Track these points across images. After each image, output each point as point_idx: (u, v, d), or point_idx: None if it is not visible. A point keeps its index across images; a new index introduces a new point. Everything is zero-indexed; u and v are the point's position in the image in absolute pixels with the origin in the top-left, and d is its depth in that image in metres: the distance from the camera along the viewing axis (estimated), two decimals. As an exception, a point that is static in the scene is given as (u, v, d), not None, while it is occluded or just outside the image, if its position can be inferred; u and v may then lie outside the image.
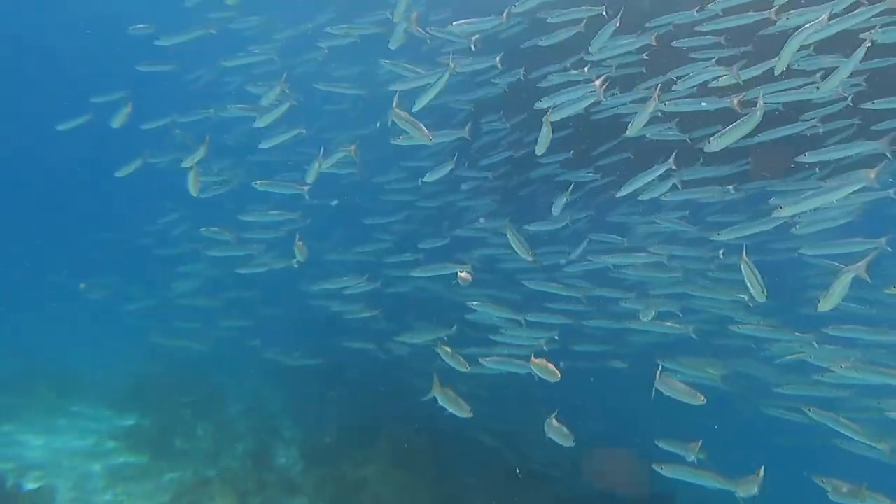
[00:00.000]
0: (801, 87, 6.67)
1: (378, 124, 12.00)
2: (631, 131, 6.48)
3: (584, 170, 10.56)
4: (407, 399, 12.71)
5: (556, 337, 8.28)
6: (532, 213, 12.11)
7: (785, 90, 6.75)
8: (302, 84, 11.32)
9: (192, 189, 8.45)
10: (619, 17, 6.83)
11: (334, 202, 10.84)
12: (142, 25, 11.11)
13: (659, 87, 6.58)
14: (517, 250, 6.93)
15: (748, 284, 5.45)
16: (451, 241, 12.10)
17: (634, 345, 11.40)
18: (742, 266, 5.56)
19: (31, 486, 9.64)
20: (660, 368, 6.06)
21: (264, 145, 8.35)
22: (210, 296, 14.03)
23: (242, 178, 12.54)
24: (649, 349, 10.93)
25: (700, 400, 5.81)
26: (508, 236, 6.99)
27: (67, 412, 14.24)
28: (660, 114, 9.86)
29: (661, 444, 6.39)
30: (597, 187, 10.89)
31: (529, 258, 6.94)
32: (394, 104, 6.24)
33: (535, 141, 11.03)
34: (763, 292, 5.35)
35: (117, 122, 9.25)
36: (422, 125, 6.32)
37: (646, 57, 9.00)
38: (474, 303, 8.32)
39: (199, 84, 14.42)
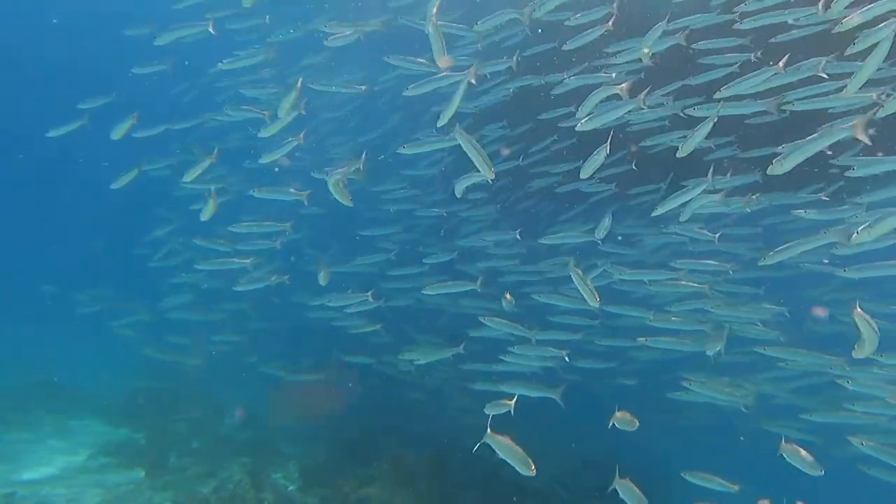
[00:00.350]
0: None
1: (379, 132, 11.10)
2: (684, 150, 5.69)
3: (589, 181, 9.79)
4: (405, 413, 11.98)
5: (567, 358, 7.43)
6: (533, 223, 11.32)
7: (822, 96, 5.97)
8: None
9: (207, 215, 7.78)
10: (667, 17, 6.03)
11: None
12: (138, 27, 10.21)
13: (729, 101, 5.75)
14: (584, 295, 6.10)
15: (863, 336, 4.63)
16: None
17: (638, 361, 10.59)
18: (856, 318, 4.89)
19: (23, 505, 8.81)
20: (781, 440, 5.09)
21: (265, 160, 7.43)
22: (203, 309, 13.01)
23: (238, 186, 11.69)
24: (652, 365, 10.15)
25: (820, 471, 4.99)
26: (575, 280, 6.18)
27: (61, 425, 13.42)
28: (668, 123, 9.23)
29: (688, 478, 5.56)
30: (601, 199, 10.13)
31: (596, 304, 6.11)
32: (456, 127, 5.34)
33: (541, 150, 10.38)
34: (873, 348, 4.54)
35: (118, 133, 8.30)
36: (487, 157, 5.46)
37: (652, 63, 8.25)
38: (485, 318, 7.43)
39: (197, 88, 13.44)
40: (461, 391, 10.92)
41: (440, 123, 5.65)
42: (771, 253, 5.56)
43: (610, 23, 6.85)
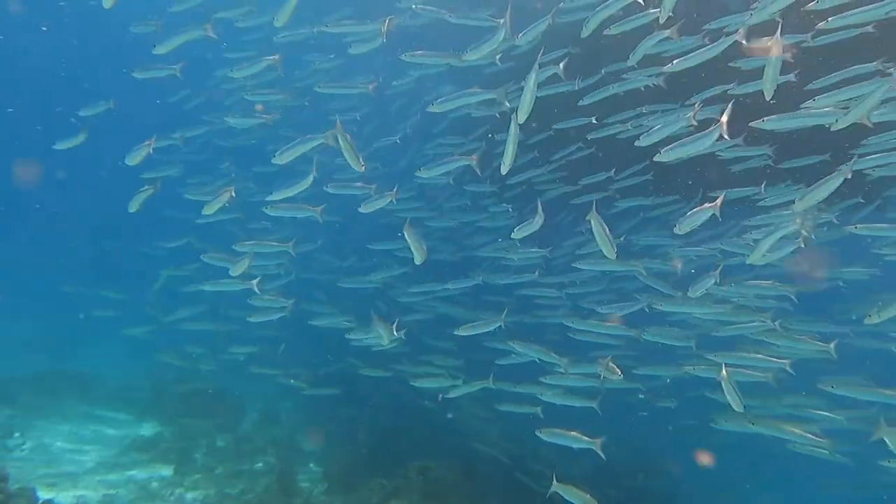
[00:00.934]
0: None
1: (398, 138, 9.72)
2: (801, 206, 4.55)
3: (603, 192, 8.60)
4: (420, 419, 10.91)
5: (600, 386, 6.28)
6: (548, 236, 10.07)
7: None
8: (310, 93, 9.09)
9: (237, 271, 7.04)
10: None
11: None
12: (143, 23, 8.71)
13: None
14: (725, 393, 5.02)
15: None
16: (463, 261, 10.04)
17: (662, 378, 9.45)
18: None
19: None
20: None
21: (275, 196, 6.29)
22: (215, 320, 11.74)
23: (248, 192, 10.35)
24: (677, 383, 8.99)
25: None
26: (695, 372, 5.63)
27: (90, 415, 12.77)
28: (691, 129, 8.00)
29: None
30: (622, 210, 8.90)
31: (741, 408, 5.05)
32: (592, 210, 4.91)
33: (560, 159, 9.11)
34: None
35: (134, 159, 7.16)
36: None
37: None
38: (513, 344, 6.27)
39: (203, 92, 11.87)
40: (474, 400, 9.77)
41: (504, 171, 4.90)
42: (876, 313, 4.38)
43: (675, 30, 5.52)
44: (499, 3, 7.61)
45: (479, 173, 6.46)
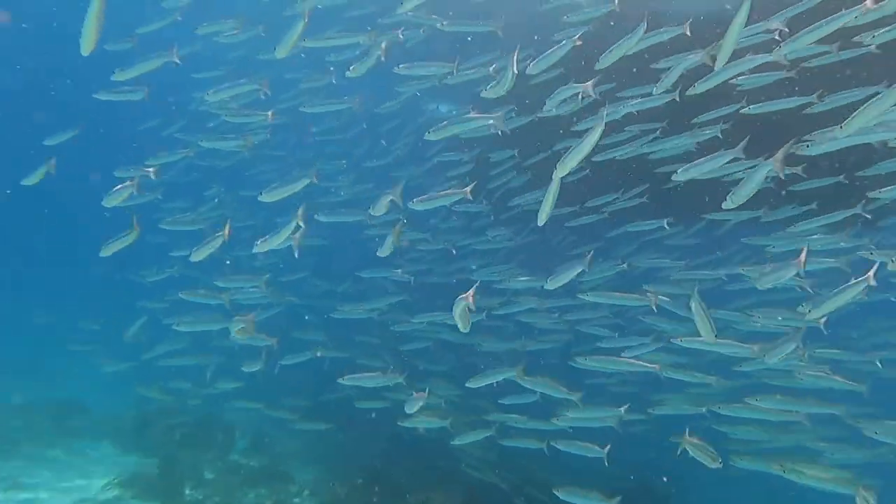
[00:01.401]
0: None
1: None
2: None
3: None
4: (413, 445, 10.04)
5: (616, 426, 5.53)
6: (545, 257, 9.33)
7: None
8: (295, 114, 8.27)
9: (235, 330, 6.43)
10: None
11: None
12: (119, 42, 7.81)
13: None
14: None
15: None
16: (459, 283, 9.21)
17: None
18: None
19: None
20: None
21: (266, 244, 5.41)
22: (197, 354, 10.67)
23: (233, 216, 9.41)
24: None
25: None
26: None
27: (73, 448, 11.55)
28: (695, 147, 7.34)
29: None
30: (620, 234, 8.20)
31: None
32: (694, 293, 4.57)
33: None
34: None
35: (112, 201, 6.30)
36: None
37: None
38: (522, 379, 5.51)
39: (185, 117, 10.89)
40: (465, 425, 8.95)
41: (541, 223, 4.37)
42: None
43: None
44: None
45: (471, 197, 5.85)
